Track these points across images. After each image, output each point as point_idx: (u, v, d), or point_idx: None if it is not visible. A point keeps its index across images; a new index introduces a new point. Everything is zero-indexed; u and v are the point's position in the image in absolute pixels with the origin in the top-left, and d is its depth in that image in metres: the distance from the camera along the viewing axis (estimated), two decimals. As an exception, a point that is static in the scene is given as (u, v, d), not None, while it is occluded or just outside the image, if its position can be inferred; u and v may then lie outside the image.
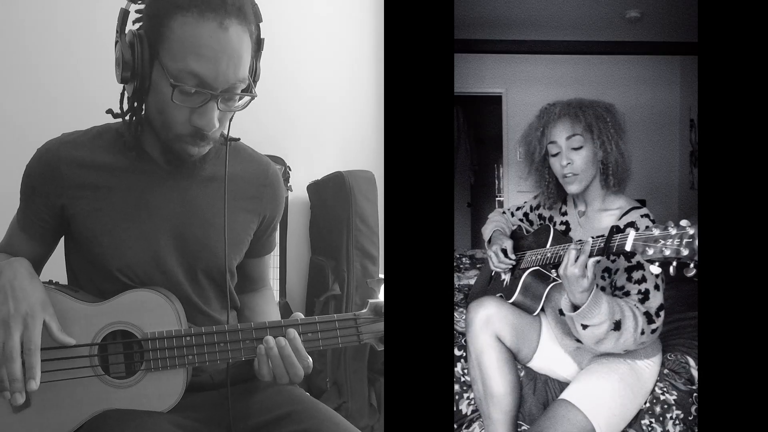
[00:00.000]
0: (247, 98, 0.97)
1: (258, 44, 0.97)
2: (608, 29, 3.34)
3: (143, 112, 1.01)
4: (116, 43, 0.96)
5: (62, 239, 1.10)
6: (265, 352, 0.97)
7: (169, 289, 1.02)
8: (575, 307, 1.21)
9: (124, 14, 0.95)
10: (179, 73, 0.90)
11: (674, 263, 1.02)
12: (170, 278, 1.03)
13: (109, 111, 1.03)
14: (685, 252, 1.01)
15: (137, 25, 0.96)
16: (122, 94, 1.01)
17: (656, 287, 1.27)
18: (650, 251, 1.05)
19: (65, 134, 1.05)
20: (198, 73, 0.90)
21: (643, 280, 1.27)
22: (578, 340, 1.27)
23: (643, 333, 1.23)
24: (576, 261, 1.16)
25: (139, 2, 0.95)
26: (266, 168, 1.15)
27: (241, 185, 1.10)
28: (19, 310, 0.89)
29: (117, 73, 0.96)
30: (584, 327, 1.21)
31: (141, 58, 0.92)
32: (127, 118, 1.01)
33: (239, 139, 1.10)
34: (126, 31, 0.95)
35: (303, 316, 1.02)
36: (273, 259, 2.11)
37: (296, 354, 0.97)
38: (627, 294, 1.29)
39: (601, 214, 1.41)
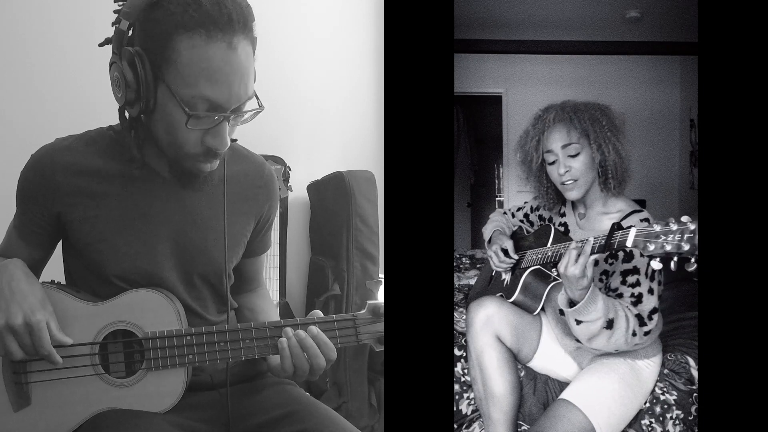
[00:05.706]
0: (255, 111, 0.96)
1: (254, 46, 0.94)
2: (608, 29, 3.34)
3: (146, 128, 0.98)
4: (112, 63, 0.92)
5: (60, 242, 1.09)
6: (287, 344, 0.97)
7: None
8: (572, 303, 1.22)
9: (120, 34, 0.90)
10: (192, 99, 0.87)
11: (675, 258, 1.03)
12: (167, 283, 1.02)
13: (111, 128, 1.02)
14: (686, 247, 1.01)
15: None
16: (121, 109, 0.99)
17: (650, 291, 1.27)
18: (651, 247, 1.05)
19: (59, 140, 1.02)
20: (211, 98, 0.87)
21: (637, 284, 1.28)
22: (578, 339, 1.28)
23: (634, 335, 1.24)
24: (576, 261, 1.16)
25: (120, 2, 0.91)
26: (261, 168, 1.14)
27: (237, 187, 1.09)
28: (21, 312, 0.90)
29: (117, 95, 0.93)
30: (578, 323, 1.22)
31: (145, 80, 0.88)
32: (130, 132, 0.98)
33: (236, 139, 1.09)
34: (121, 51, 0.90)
35: (321, 314, 1.02)
36: (273, 259, 2.12)
37: (323, 346, 0.98)
38: (620, 296, 1.29)
39: (601, 218, 1.40)
